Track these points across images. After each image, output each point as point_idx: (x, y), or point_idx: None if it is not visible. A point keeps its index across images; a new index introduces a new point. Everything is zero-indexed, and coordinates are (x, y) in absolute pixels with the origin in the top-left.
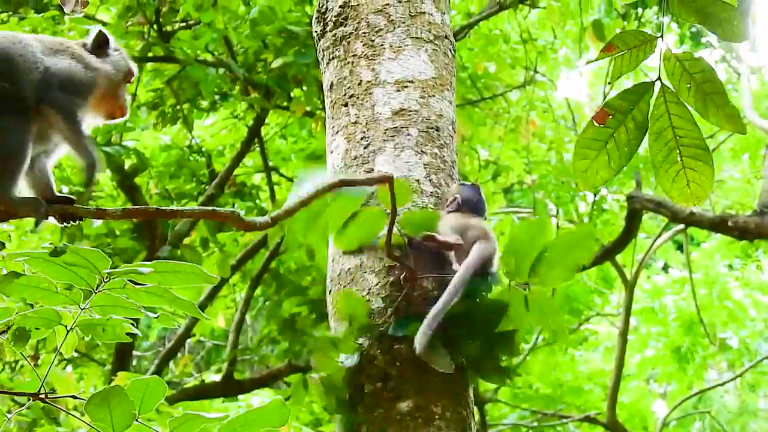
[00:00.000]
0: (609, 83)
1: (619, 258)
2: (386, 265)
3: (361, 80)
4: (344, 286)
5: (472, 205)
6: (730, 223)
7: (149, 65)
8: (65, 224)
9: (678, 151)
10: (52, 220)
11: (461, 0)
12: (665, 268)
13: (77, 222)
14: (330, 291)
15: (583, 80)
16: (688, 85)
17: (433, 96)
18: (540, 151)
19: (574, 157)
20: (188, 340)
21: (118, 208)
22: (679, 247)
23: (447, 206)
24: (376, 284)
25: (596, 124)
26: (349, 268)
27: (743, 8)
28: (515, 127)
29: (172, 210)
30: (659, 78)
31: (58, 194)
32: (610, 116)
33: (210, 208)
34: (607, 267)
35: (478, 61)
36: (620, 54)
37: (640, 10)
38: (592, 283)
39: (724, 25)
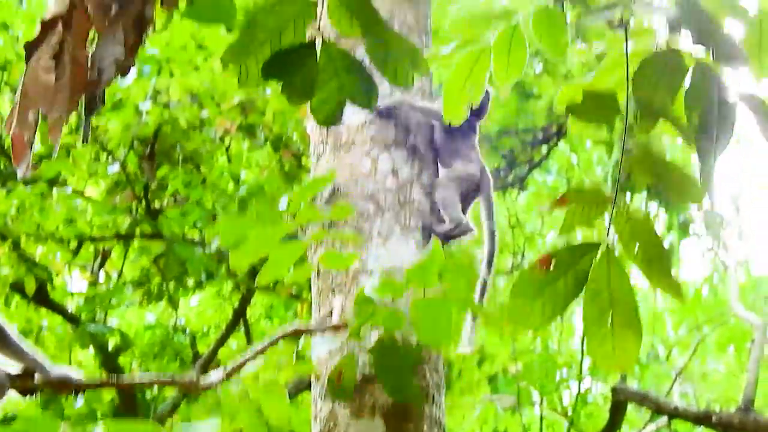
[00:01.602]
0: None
1: None
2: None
3: (348, 267)
4: None
5: (481, 108)
6: (714, 419)
7: (136, 242)
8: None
9: (610, 314)
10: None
11: None
12: None
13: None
14: None
15: None
16: (635, 249)
17: None
18: (525, 339)
19: (511, 295)
20: None
21: (80, 379)
22: None
23: None
24: None
25: (539, 268)
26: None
27: (706, 170)
28: (500, 315)
29: (131, 382)
30: (606, 241)
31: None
32: (553, 265)
33: (169, 375)
34: None
35: (466, 245)
36: (574, 208)
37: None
38: None
39: (678, 188)
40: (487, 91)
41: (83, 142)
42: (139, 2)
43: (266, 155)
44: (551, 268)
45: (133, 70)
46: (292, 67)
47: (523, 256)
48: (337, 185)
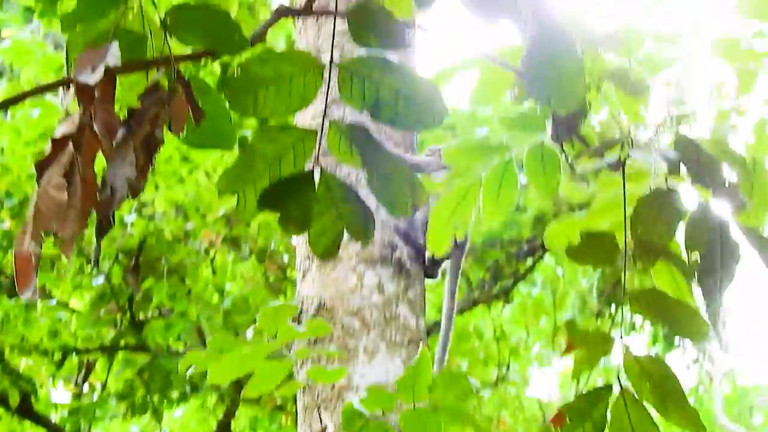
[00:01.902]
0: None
1: None
2: None
3: (333, 384)
4: None
5: None
6: None
7: (120, 354)
8: None
9: None
10: None
11: (435, 295)
12: None
13: None
14: None
15: (554, 379)
16: (648, 386)
17: None
18: None
19: None
20: None
21: None
22: None
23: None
24: None
25: (553, 428)
26: None
27: (713, 310)
28: (487, 426)
29: None
30: (619, 381)
31: None
32: (569, 418)
33: None
34: None
35: (451, 357)
36: (580, 353)
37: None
38: None
39: (683, 326)
40: None
41: (94, 265)
42: (149, 125)
43: (251, 267)
44: (567, 422)
45: None
46: (289, 197)
47: (507, 368)
48: (323, 301)
